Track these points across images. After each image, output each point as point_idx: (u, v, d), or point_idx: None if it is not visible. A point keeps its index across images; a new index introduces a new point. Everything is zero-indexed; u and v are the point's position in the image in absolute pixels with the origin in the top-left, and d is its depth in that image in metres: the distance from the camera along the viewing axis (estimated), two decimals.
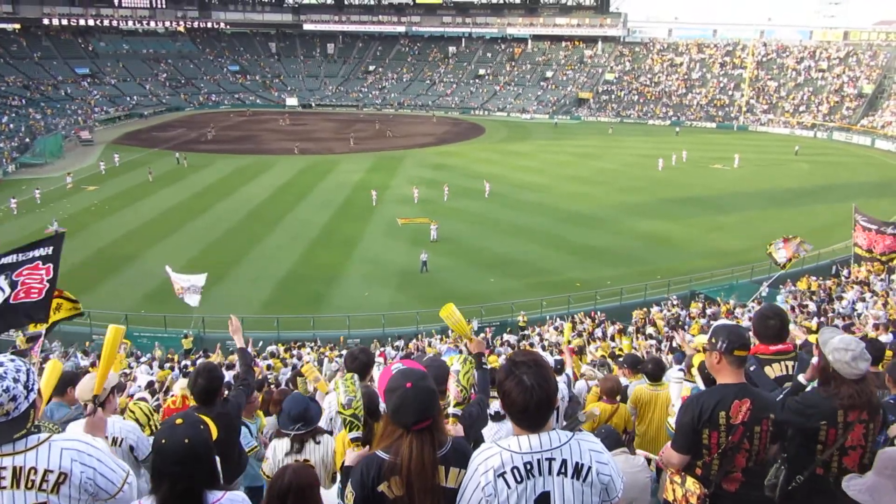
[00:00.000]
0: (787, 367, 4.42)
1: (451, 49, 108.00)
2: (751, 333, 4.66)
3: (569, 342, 13.20)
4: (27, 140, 58.90)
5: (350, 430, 3.45)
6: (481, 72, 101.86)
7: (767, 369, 4.40)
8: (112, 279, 28.52)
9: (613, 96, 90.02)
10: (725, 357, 3.65)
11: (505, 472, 2.65)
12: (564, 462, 2.68)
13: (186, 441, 2.75)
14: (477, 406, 4.09)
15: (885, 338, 11.86)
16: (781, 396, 3.95)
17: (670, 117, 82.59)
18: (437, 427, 2.93)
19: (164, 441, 2.77)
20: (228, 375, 9.84)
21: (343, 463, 3.47)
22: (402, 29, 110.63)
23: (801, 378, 4.02)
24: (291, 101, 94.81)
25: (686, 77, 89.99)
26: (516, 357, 2.82)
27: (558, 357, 9.13)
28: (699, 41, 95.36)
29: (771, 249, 19.40)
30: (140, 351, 21.46)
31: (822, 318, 15.75)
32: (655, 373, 6.92)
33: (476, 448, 2.87)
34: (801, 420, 3.72)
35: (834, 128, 72.41)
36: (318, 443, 4.54)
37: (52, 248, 7.72)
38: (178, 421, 2.85)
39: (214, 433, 3.09)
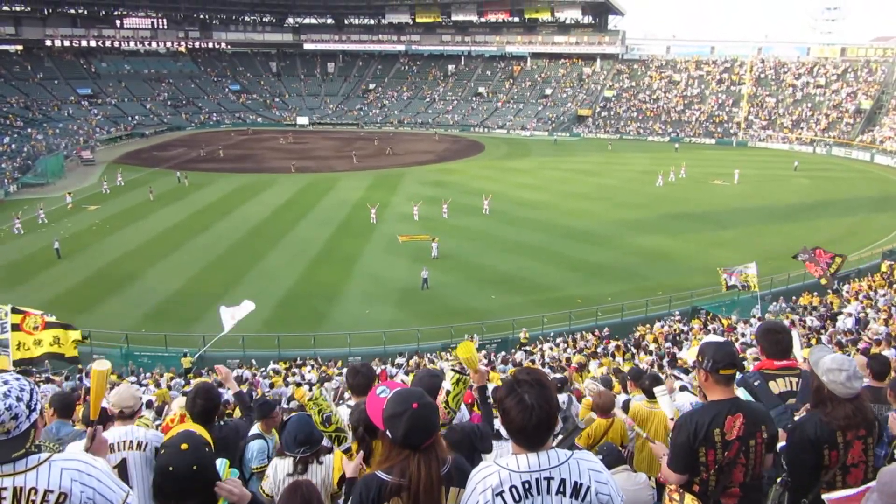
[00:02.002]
0: (791, 382, 4.42)
1: (451, 67, 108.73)
2: (756, 349, 4.66)
3: (567, 361, 13.14)
4: (29, 161, 59.13)
5: (339, 444, 3.46)
6: (481, 89, 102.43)
7: (772, 384, 4.40)
8: (113, 298, 28.47)
9: (612, 113, 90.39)
10: (712, 376, 3.64)
11: (503, 492, 2.63)
12: (563, 481, 2.66)
13: (193, 463, 2.80)
14: (475, 433, 4.03)
15: (888, 352, 11.84)
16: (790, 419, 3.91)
17: (669, 133, 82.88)
18: (439, 443, 2.92)
19: (170, 466, 2.82)
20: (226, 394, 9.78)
21: (343, 476, 3.49)
22: (401, 48, 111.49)
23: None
24: (302, 120, 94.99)
25: (685, 93, 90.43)
26: (519, 375, 2.79)
27: (559, 375, 9.08)
28: (697, 58, 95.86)
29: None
30: (143, 370, 21.43)
31: (826, 335, 15.71)
32: (652, 389, 6.88)
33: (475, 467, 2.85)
34: (808, 456, 3.69)
35: (833, 143, 72.60)
36: (321, 463, 4.51)
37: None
38: (184, 446, 2.88)
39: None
